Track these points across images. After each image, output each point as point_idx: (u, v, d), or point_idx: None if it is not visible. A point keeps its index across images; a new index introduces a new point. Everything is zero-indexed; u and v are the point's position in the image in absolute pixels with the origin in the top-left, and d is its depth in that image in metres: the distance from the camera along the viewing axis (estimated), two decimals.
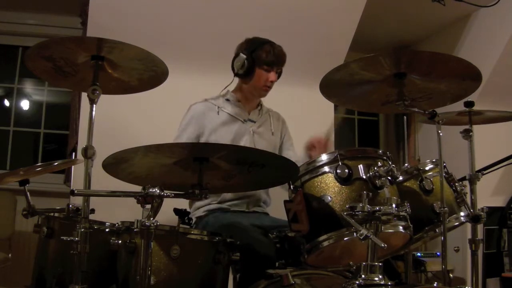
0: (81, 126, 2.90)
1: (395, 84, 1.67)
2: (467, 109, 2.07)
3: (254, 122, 2.24)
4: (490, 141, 2.86)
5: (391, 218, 1.27)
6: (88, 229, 1.45)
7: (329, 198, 1.45)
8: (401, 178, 1.74)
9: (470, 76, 1.64)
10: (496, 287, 3.48)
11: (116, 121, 2.72)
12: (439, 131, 1.65)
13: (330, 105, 3.17)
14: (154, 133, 2.55)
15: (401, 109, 1.68)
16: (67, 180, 3.45)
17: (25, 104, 3.99)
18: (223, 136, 2.12)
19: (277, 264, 1.73)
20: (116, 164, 1.40)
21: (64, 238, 1.48)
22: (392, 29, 3.98)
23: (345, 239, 1.41)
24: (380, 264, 1.22)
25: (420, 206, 1.70)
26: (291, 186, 1.56)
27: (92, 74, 1.57)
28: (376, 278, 1.20)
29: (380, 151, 1.57)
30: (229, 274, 1.67)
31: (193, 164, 1.39)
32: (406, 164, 1.84)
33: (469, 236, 1.94)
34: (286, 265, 1.70)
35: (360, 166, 1.48)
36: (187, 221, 1.49)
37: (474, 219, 1.78)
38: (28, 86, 3.99)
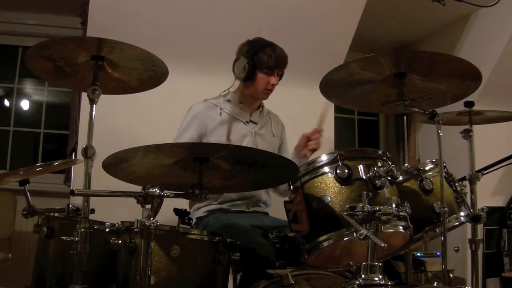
0: (81, 126, 2.90)
1: (395, 84, 1.67)
2: (467, 109, 2.07)
3: (256, 123, 2.24)
4: (490, 141, 2.86)
5: (391, 218, 1.27)
6: (88, 229, 1.45)
7: (329, 198, 1.45)
8: (401, 178, 1.74)
9: (470, 76, 1.64)
10: (496, 287, 3.48)
11: (116, 121, 2.72)
12: (439, 131, 1.65)
13: (330, 105, 3.16)
14: (154, 133, 2.55)
15: (401, 109, 1.68)
16: (67, 180, 3.45)
17: (25, 104, 3.99)
18: (226, 137, 2.12)
19: (277, 264, 1.73)
20: (116, 164, 1.40)
21: (64, 238, 1.48)
22: (392, 29, 3.98)
23: (345, 239, 1.41)
24: (380, 264, 1.22)
25: (420, 206, 1.70)
26: (291, 187, 1.56)
27: (92, 74, 1.57)
28: (376, 278, 1.20)
29: (380, 151, 1.57)
30: (229, 274, 1.67)
31: (193, 164, 1.39)
32: (406, 164, 1.84)
33: (469, 236, 1.94)
34: (286, 265, 1.70)
35: (360, 166, 1.48)
36: (187, 221, 1.49)
37: (474, 219, 1.78)
38: (28, 86, 3.99)
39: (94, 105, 1.55)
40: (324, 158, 1.52)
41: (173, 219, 1.48)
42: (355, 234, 1.26)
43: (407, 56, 1.59)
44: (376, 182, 1.46)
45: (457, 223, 1.79)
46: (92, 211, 1.63)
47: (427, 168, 1.79)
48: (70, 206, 1.67)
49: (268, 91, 2.16)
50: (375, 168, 1.46)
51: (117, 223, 1.59)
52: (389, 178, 1.48)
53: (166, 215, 1.45)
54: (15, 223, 3.20)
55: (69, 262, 1.48)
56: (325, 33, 3.02)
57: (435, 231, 1.70)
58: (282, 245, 1.78)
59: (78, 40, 1.61)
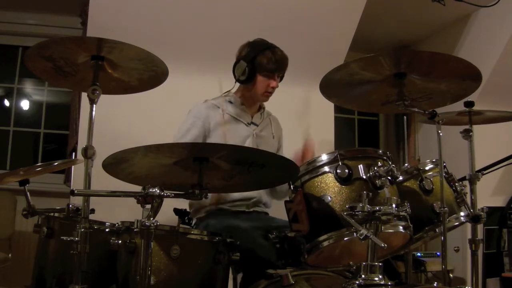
0: (81, 126, 2.90)
1: (395, 84, 1.67)
2: (467, 109, 2.07)
3: (257, 125, 2.24)
4: (490, 141, 2.86)
5: (391, 218, 1.27)
6: (88, 229, 1.45)
7: (329, 198, 1.45)
8: (401, 178, 1.74)
9: (470, 76, 1.64)
10: (496, 287, 3.48)
11: (116, 121, 2.72)
12: (439, 131, 1.65)
13: (330, 105, 3.17)
14: (154, 133, 2.55)
15: (401, 109, 1.68)
16: (67, 180, 3.45)
17: (25, 104, 3.99)
18: (229, 139, 2.11)
19: (277, 264, 1.73)
20: (116, 164, 1.40)
21: (64, 238, 1.48)
22: (392, 29, 3.98)
23: (345, 239, 1.41)
24: (380, 264, 1.22)
25: (420, 206, 1.70)
26: (291, 186, 1.56)
27: (92, 74, 1.57)
28: (376, 278, 1.20)
29: (380, 151, 1.57)
30: (229, 274, 1.67)
31: (193, 164, 1.39)
32: (406, 164, 1.84)
33: (469, 236, 1.94)
34: (286, 265, 1.70)
35: (360, 166, 1.48)
36: (187, 221, 1.49)
37: (474, 219, 1.78)
38: (28, 86, 3.99)
39: (94, 105, 1.55)
40: (324, 157, 1.52)
41: (173, 219, 1.48)
42: (355, 234, 1.26)
43: (407, 56, 1.59)
44: (376, 182, 1.46)
45: (457, 223, 1.79)
46: (92, 211, 1.63)
47: (427, 168, 1.79)
48: (70, 206, 1.67)
49: (268, 93, 2.16)
50: (375, 168, 1.46)
51: (117, 223, 1.59)
52: (389, 178, 1.48)
53: (166, 215, 1.45)
54: (15, 223, 3.20)
55: (69, 262, 1.48)
56: (325, 33, 3.02)
57: (435, 231, 1.70)
58: (282, 245, 1.78)
59: (78, 40, 1.61)
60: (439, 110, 1.68)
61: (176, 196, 1.39)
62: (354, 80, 1.67)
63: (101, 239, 1.61)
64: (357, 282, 1.19)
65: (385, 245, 1.20)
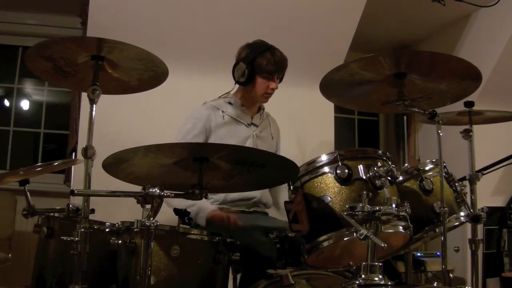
0: (81, 126, 2.90)
1: (395, 84, 1.67)
2: (467, 109, 2.08)
3: (257, 126, 2.24)
4: (490, 141, 2.87)
5: (391, 218, 1.27)
6: (88, 229, 1.45)
7: (329, 198, 1.45)
8: (401, 178, 1.74)
9: (470, 76, 1.64)
10: (496, 287, 3.48)
11: (116, 121, 2.73)
12: (439, 131, 1.65)
13: (330, 105, 3.17)
14: (154, 133, 2.56)
15: (401, 109, 1.68)
16: (67, 180, 3.45)
17: (25, 104, 3.99)
18: (229, 140, 2.12)
19: (277, 264, 1.73)
20: (116, 164, 1.40)
21: (64, 238, 1.48)
22: (392, 29, 3.98)
23: (345, 239, 1.41)
24: (380, 264, 1.22)
25: (420, 206, 1.70)
26: (291, 187, 1.56)
27: (92, 74, 1.56)
28: (376, 278, 1.20)
29: (380, 151, 1.57)
30: (229, 274, 1.66)
31: (193, 164, 1.39)
32: (406, 164, 1.84)
33: (469, 236, 1.94)
34: (286, 265, 1.70)
35: (360, 167, 1.48)
36: (187, 221, 1.49)
37: (474, 219, 1.78)
38: (28, 86, 3.99)
39: (94, 105, 1.55)
40: (324, 158, 1.52)
41: (173, 219, 1.48)
42: (355, 234, 1.26)
43: (407, 56, 1.59)
44: (376, 182, 1.46)
45: (457, 223, 1.79)
46: (92, 211, 1.63)
47: (427, 168, 1.79)
48: (70, 206, 1.66)
49: (267, 95, 2.16)
50: (375, 168, 1.46)
51: (117, 223, 1.59)
52: (389, 178, 1.48)
53: (166, 215, 1.46)
54: (15, 223, 3.20)
55: (69, 262, 1.48)
56: (325, 33, 3.02)
57: (435, 231, 1.70)
58: (282, 245, 1.78)
59: (78, 40, 1.61)
60: (439, 110, 1.68)
61: (176, 196, 1.39)
62: (354, 80, 1.67)
63: (101, 239, 1.61)
64: (357, 282, 1.19)
65: (385, 245, 1.20)
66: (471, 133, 2.03)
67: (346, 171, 1.46)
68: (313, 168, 1.52)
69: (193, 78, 2.82)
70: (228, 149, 1.43)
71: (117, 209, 2.12)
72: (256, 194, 2.13)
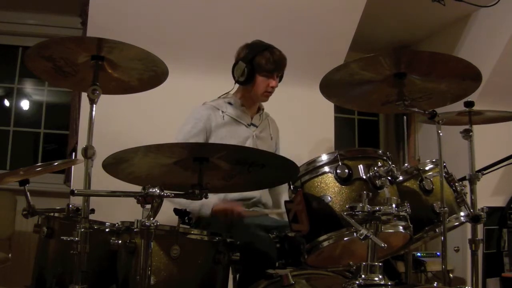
0: (81, 126, 2.90)
1: (395, 84, 1.67)
2: (467, 109, 2.08)
3: (256, 126, 2.24)
4: (490, 141, 2.87)
5: (391, 218, 1.27)
6: (88, 229, 1.45)
7: (329, 198, 1.45)
8: (401, 178, 1.74)
9: (470, 76, 1.64)
10: (496, 287, 3.48)
11: (116, 121, 2.73)
12: (439, 131, 1.65)
13: (330, 105, 3.17)
14: (154, 133, 2.56)
15: (401, 109, 1.68)
16: (67, 180, 3.45)
17: (25, 104, 3.99)
18: (229, 140, 2.12)
19: (277, 264, 1.73)
20: (116, 164, 1.40)
21: (64, 238, 1.48)
22: (392, 29, 3.98)
23: (345, 239, 1.41)
24: (380, 264, 1.22)
25: (420, 206, 1.70)
26: (291, 187, 1.56)
27: (92, 74, 1.57)
28: (376, 278, 1.20)
29: (380, 151, 1.57)
30: (229, 274, 1.67)
31: (193, 164, 1.39)
32: (406, 164, 1.84)
33: (469, 236, 1.94)
34: (286, 265, 1.70)
35: (360, 166, 1.48)
36: (187, 221, 1.49)
37: (474, 219, 1.78)
38: (28, 86, 3.99)
39: (94, 105, 1.55)
40: (324, 158, 1.52)
41: (173, 219, 1.48)
42: (355, 234, 1.26)
43: (407, 56, 1.59)
44: (376, 182, 1.46)
45: (457, 223, 1.79)
46: (92, 211, 1.63)
47: (427, 168, 1.79)
48: (70, 206, 1.66)
49: (268, 93, 2.16)
50: (375, 168, 1.46)
51: (117, 223, 1.59)
52: (389, 178, 1.48)
53: (166, 215, 1.45)
54: (15, 223, 3.20)
55: (69, 262, 1.48)
56: (325, 33, 3.02)
57: (435, 231, 1.70)
58: (282, 245, 1.78)
59: (78, 40, 1.61)
60: (439, 110, 1.68)
61: (176, 196, 1.39)
62: (354, 80, 1.67)
63: (101, 239, 1.61)
64: (357, 282, 1.19)
65: (385, 245, 1.20)
66: (471, 133, 2.03)
67: (346, 171, 1.46)
68: (313, 168, 1.52)
69: (193, 78, 2.82)
70: (228, 149, 1.43)
71: (117, 209, 2.12)
72: (255, 194, 2.13)
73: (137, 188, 1.36)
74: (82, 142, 2.76)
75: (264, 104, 2.33)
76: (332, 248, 1.50)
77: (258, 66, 2.10)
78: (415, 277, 3.14)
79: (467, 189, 1.89)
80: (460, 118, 2.13)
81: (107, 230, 1.65)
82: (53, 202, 2.05)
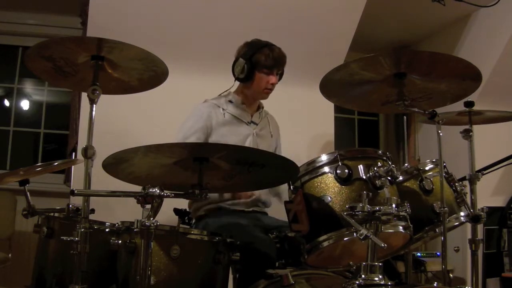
0: (81, 126, 2.90)
1: (395, 84, 1.67)
2: (467, 109, 2.08)
3: (257, 124, 2.24)
4: (490, 141, 2.86)
5: (391, 218, 1.27)
6: (88, 229, 1.46)
7: (329, 198, 1.45)
8: (401, 178, 1.74)
9: (470, 76, 1.65)
10: (496, 287, 3.48)
11: (116, 121, 2.72)
12: (439, 131, 1.65)
13: (330, 105, 3.17)
14: (154, 133, 2.56)
15: (401, 109, 1.69)
16: (67, 180, 3.45)
17: (25, 104, 3.99)
18: (230, 138, 2.12)
19: (277, 264, 1.73)
20: (116, 164, 1.40)
21: (64, 238, 1.48)
22: (392, 29, 3.98)
23: (345, 239, 1.41)
24: (380, 264, 1.22)
25: (420, 206, 1.70)
26: (291, 187, 1.56)
27: (92, 74, 1.57)
28: (376, 278, 1.20)
29: (380, 151, 1.57)
30: (229, 274, 1.67)
31: (193, 164, 1.39)
32: (406, 164, 1.84)
33: (469, 236, 1.94)
34: (286, 265, 1.70)
35: (360, 166, 1.48)
36: (187, 221, 1.49)
37: (474, 219, 1.78)
38: (28, 86, 3.99)
39: (94, 105, 1.55)
40: (324, 158, 1.52)
41: (173, 219, 1.48)
42: (355, 234, 1.26)
43: (407, 56, 1.59)
44: (376, 182, 1.46)
45: (457, 223, 1.79)
46: (92, 211, 1.63)
47: (427, 168, 1.79)
48: (70, 206, 1.67)
49: (268, 90, 2.16)
50: (375, 168, 1.46)
51: (117, 223, 1.59)
52: (389, 178, 1.48)
53: (166, 215, 1.46)
54: (15, 223, 3.20)
55: (69, 262, 1.48)
56: (325, 33, 3.02)
57: (435, 231, 1.70)
58: (282, 245, 1.78)
59: (78, 40, 1.61)
60: (439, 110, 1.68)
61: (176, 196, 1.39)
62: (354, 80, 1.67)
63: (101, 239, 1.61)
64: (357, 282, 1.19)
65: (385, 245, 1.20)
66: (471, 133, 2.03)
67: (346, 171, 1.46)
68: (313, 168, 1.52)
69: (193, 78, 2.81)
70: (228, 149, 1.43)
71: (117, 209, 2.12)
72: (255, 192, 2.13)
73: (137, 188, 1.36)
74: (82, 142, 2.76)
75: (264, 104, 2.33)
76: (332, 248, 1.50)
77: (257, 63, 2.10)
78: (415, 277, 3.14)
79: (467, 189, 1.89)
80: (460, 118, 2.13)
81: (107, 230, 1.65)
82: (53, 202, 2.05)
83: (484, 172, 2.06)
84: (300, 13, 2.90)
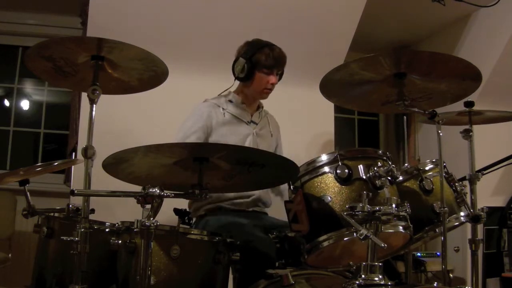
0: (81, 126, 2.90)
1: (395, 84, 1.67)
2: (467, 109, 2.08)
3: (256, 124, 2.25)
4: (490, 141, 2.86)
5: (391, 218, 1.27)
6: (88, 229, 1.46)
7: (329, 198, 1.45)
8: (401, 178, 1.74)
9: (470, 76, 1.65)
10: (496, 287, 3.48)
11: (116, 121, 2.72)
12: (439, 131, 1.65)
13: (330, 105, 3.17)
14: (154, 133, 2.56)
15: (401, 109, 1.69)
16: (67, 180, 3.45)
17: (25, 104, 3.99)
18: (230, 137, 2.12)
19: (277, 264, 1.73)
20: (116, 164, 1.41)
21: (64, 238, 1.48)
22: (392, 29, 3.98)
23: (345, 239, 1.41)
24: (380, 264, 1.22)
25: (420, 206, 1.70)
26: (291, 186, 1.56)
27: (92, 74, 1.57)
28: (376, 278, 1.20)
29: (380, 151, 1.57)
30: (229, 274, 1.67)
31: (193, 164, 1.39)
32: (406, 164, 1.84)
33: (469, 236, 1.94)
34: (286, 265, 1.70)
35: (360, 166, 1.48)
36: (187, 221, 1.49)
37: (474, 219, 1.78)
38: (28, 86, 3.99)
39: (94, 105, 1.55)
40: (324, 158, 1.52)
41: (173, 219, 1.48)
42: (355, 234, 1.26)
43: (407, 56, 1.60)
44: (376, 182, 1.46)
45: (457, 223, 1.79)
46: (92, 211, 1.63)
47: (427, 168, 1.79)
48: (70, 206, 1.67)
49: (267, 90, 2.16)
50: (375, 168, 1.47)
51: (117, 223, 1.59)
52: (389, 178, 1.48)
53: (166, 215, 1.46)
54: (15, 223, 3.20)
55: (69, 262, 1.48)
56: (325, 33, 3.02)
57: (435, 231, 1.70)
58: (282, 245, 1.78)
59: (78, 40, 1.61)
60: (439, 110, 1.68)
61: (176, 196, 1.39)
62: (354, 80, 1.67)
63: (101, 239, 1.61)
64: (357, 282, 1.19)
65: (385, 245, 1.20)
66: (471, 133, 2.03)
67: (346, 171, 1.46)
68: (313, 168, 1.52)
69: (193, 78, 2.81)
70: (228, 149, 1.43)
71: (117, 209, 2.12)
72: (255, 191, 2.13)
73: (137, 188, 1.36)
74: (82, 142, 2.76)
75: (264, 104, 2.33)
76: (332, 248, 1.50)
77: (257, 62, 2.10)
78: (415, 277, 3.14)
79: (467, 189, 1.89)
80: (460, 118, 2.13)
81: (107, 230, 1.65)
82: (53, 202, 2.05)
83: (484, 172, 2.06)
84: (300, 13, 2.90)
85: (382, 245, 1.19)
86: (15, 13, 3.76)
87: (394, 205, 1.27)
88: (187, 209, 2.01)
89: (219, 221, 1.96)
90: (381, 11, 3.49)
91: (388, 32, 4.02)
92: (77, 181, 2.72)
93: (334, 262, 1.62)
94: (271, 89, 2.17)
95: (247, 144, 2.13)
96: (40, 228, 1.75)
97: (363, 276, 1.21)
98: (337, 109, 3.43)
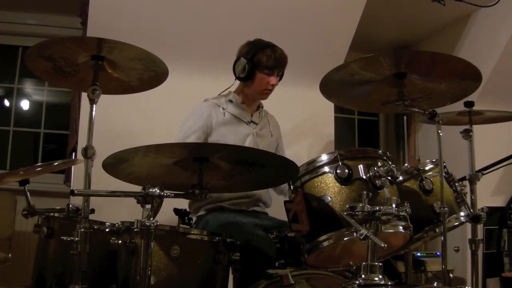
0: (81, 126, 2.90)
1: (395, 84, 1.67)
2: (467, 109, 2.08)
3: (256, 124, 2.25)
4: (490, 141, 2.86)
5: (391, 218, 1.27)
6: (88, 229, 1.46)
7: (329, 198, 1.45)
8: (401, 178, 1.74)
9: (470, 76, 1.65)
10: (496, 287, 3.48)
11: (116, 121, 2.72)
12: (439, 131, 1.65)
13: (330, 105, 3.17)
14: (154, 133, 2.57)
15: (401, 109, 1.69)
16: (67, 180, 3.45)
17: (25, 104, 3.99)
18: (230, 137, 2.12)
19: (277, 264, 1.73)
20: (116, 164, 1.40)
21: (64, 238, 1.48)
22: (392, 29, 3.98)
23: (345, 239, 1.41)
24: (380, 264, 1.22)
25: (420, 206, 1.70)
26: (291, 186, 1.56)
27: (92, 74, 1.57)
28: (376, 278, 1.20)
29: (380, 151, 1.57)
30: (229, 274, 1.67)
31: (193, 164, 1.39)
32: (406, 164, 1.84)
33: (469, 236, 1.94)
34: (286, 265, 1.70)
35: (360, 166, 1.48)
36: (187, 221, 1.49)
37: (474, 219, 1.78)
38: (28, 86, 3.99)
39: (94, 105, 1.55)
40: (324, 158, 1.52)
41: (173, 219, 1.48)
42: (355, 234, 1.26)
43: (407, 56, 1.60)
44: (376, 182, 1.46)
45: (457, 223, 1.79)
46: (92, 211, 1.63)
47: (427, 168, 1.79)
48: (70, 206, 1.66)
49: (268, 91, 2.17)
50: (375, 168, 1.47)
51: (117, 223, 1.59)
52: (389, 178, 1.48)
53: (166, 215, 1.45)
54: (15, 223, 3.20)
55: (69, 262, 1.48)
56: (325, 33, 3.02)
57: (435, 231, 1.70)
58: (282, 245, 1.78)
59: (78, 40, 1.61)
60: (439, 110, 1.68)
61: (176, 196, 1.39)
62: (354, 80, 1.67)
63: (101, 239, 1.61)
64: (357, 282, 1.19)
65: (385, 245, 1.20)
66: (471, 133, 2.03)
67: (346, 171, 1.46)
68: (313, 168, 1.52)
69: (193, 78, 2.81)
70: (228, 149, 1.43)
71: (117, 209, 2.12)
72: (255, 191, 2.13)
73: (137, 188, 1.36)
74: (82, 142, 2.76)
75: (264, 104, 2.33)
76: (332, 248, 1.50)
77: (259, 63, 2.10)
78: (415, 277, 3.14)
79: (467, 189, 1.89)
80: (460, 118, 2.13)
81: (107, 230, 1.65)
82: (53, 202, 2.05)
83: (484, 172, 2.06)
84: (300, 13, 2.90)
85: (382, 245, 1.19)
86: (15, 13, 3.76)
87: (394, 205, 1.27)
88: (187, 209, 2.00)
89: (219, 221, 1.96)
90: (381, 11, 3.49)
91: (388, 32, 4.03)
92: (77, 181, 2.72)
93: (334, 262, 1.62)
94: (271, 90, 2.17)
95: (247, 144, 2.13)
96: (40, 228, 1.75)
97: (363, 276, 1.21)
98: (337, 109, 3.43)
